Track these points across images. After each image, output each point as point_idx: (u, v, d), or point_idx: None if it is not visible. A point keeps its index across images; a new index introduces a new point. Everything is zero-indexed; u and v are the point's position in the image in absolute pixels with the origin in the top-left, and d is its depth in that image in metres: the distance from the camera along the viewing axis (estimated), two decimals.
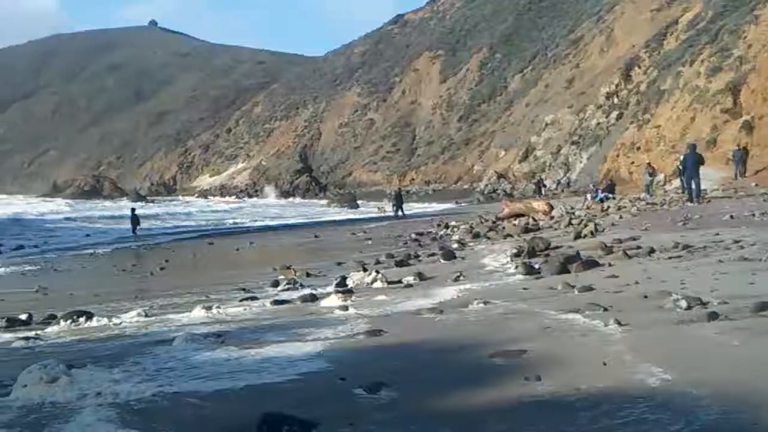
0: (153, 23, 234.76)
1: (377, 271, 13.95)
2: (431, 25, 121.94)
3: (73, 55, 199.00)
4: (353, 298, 11.68)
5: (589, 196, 34.83)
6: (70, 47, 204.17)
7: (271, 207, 65.35)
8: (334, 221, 43.51)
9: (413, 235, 26.27)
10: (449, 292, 11.44)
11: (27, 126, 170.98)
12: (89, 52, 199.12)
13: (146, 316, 11.20)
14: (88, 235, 36.16)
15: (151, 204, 74.46)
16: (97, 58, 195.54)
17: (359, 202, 62.85)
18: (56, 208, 60.98)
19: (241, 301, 12.32)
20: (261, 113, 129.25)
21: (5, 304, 14.05)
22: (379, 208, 54.89)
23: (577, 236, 18.04)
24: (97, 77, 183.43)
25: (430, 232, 27.99)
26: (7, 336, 10.27)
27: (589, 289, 10.16)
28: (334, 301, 11.28)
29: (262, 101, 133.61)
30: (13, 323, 11.03)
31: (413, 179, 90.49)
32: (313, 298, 11.90)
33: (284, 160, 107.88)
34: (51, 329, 10.70)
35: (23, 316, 11.41)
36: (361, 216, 48.45)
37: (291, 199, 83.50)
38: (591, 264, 12.59)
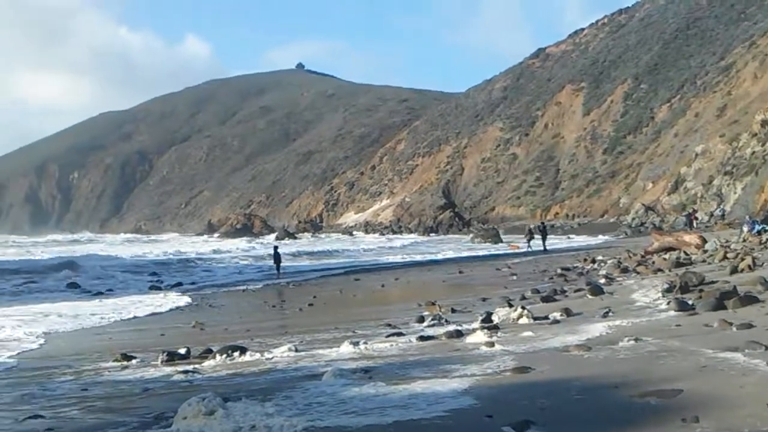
0: (300, 66, 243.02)
1: (523, 307, 13.79)
2: (573, 57, 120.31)
3: (226, 99, 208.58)
4: (499, 334, 11.59)
5: (745, 228, 33.16)
6: (223, 92, 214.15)
7: (415, 243, 65.81)
8: (478, 256, 43.31)
9: (559, 270, 25.80)
10: (597, 329, 11.16)
11: (184, 168, 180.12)
12: (241, 95, 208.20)
13: (296, 351, 11.50)
14: (239, 272, 37.57)
15: (298, 241, 76.62)
16: (249, 101, 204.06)
17: (503, 236, 62.38)
18: (211, 245, 63.66)
19: (387, 336, 12.45)
20: (404, 150, 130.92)
21: (166, 339, 14.78)
22: (510, 244, 54.11)
23: (734, 271, 17.19)
24: (249, 119, 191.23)
25: (576, 266, 27.41)
26: (168, 369, 10.80)
27: (749, 326, 9.68)
28: (479, 337, 11.23)
29: (405, 138, 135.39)
30: (173, 357, 11.58)
31: (557, 213, 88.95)
32: (459, 334, 11.88)
33: (427, 196, 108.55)
34: (208, 363, 11.17)
35: (182, 350, 11.97)
36: (506, 251, 48.02)
37: (434, 234, 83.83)
38: (750, 300, 11.97)
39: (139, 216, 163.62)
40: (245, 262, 43.36)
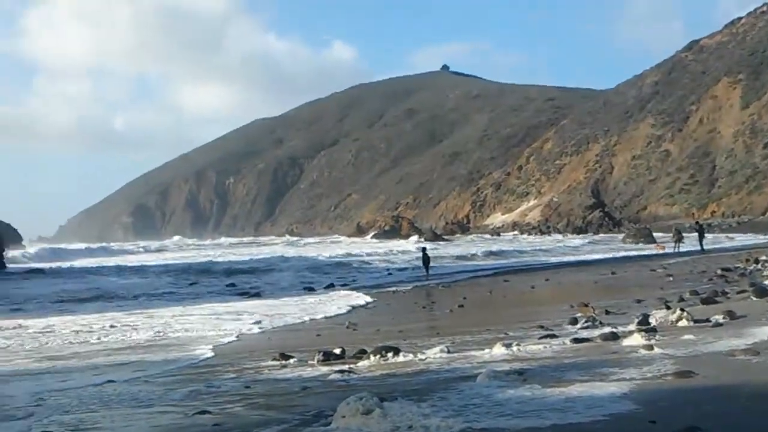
0: (445, 67, 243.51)
1: (682, 309, 13.28)
2: (729, 48, 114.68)
3: (372, 102, 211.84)
4: (657, 337, 11.21)
5: None
6: (370, 95, 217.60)
7: (564, 243, 64.54)
8: (630, 257, 42.04)
9: (719, 271, 24.67)
10: (765, 332, 10.61)
11: (333, 172, 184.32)
12: (387, 98, 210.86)
13: (448, 352, 11.54)
14: (389, 273, 38.04)
15: (445, 243, 76.66)
16: (395, 104, 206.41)
17: (656, 236, 60.20)
18: (361, 247, 64.70)
19: (540, 338, 12.30)
20: (551, 149, 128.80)
21: (321, 339, 15.18)
22: (656, 244, 51.98)
23: None
24: (395, 122, 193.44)
25: (738, 267, 26.12)
26: (324, 369, 11.09)
27: None
28: (637, 340, 10.90)
29: (552, 137, 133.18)
30: (328, 357, 11.86)
31: (714, 212, 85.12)
32: (615, 336, 11.58)
33: (576, 195, 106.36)
34: (362, 363, 11.38)
35: (337, 351, 12.24)
36: (660, 251, 46.34)
37: (583, 235, 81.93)
38: None
39: (290, 219, 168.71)
40: (394, 265, 43.84)
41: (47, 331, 18.01)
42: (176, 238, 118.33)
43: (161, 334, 16.99)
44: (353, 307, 22.38)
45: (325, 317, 20.04)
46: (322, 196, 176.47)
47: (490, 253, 51.53)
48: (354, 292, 27.45)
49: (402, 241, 76.97)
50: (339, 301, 24.10)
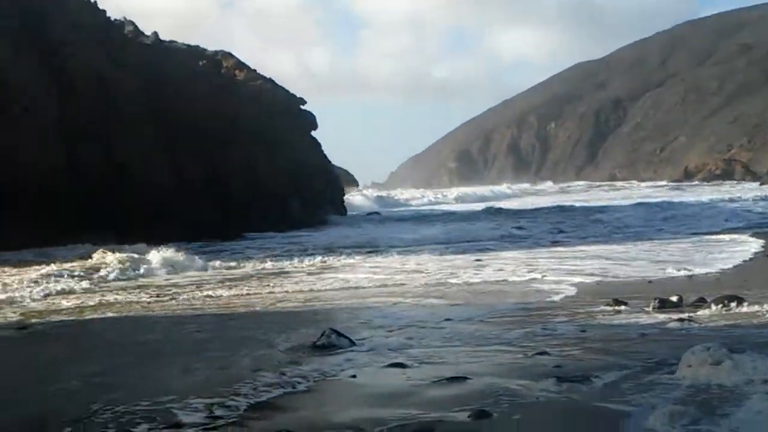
0: None
1: None
2: None
3: (700, 40, 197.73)
4: None
5: None
6: (697, 33, 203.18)
7: None
8: None
9: None
10: None
11: (657, 114, 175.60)
12: (718, 35, 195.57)
13: None
14: (726, 220, 35.57)
15: None
16: (726, 40, 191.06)
17: None
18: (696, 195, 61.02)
19: None
20: None
21: (653, 287, 14.69)
22: None
23: None
24: (727, 60, 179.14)
25: None
26: (661, 317, 10.80)
27: None
28: None
29: None
30: (664, 304, 11.53)
31: None
32: None
33: None
34: (702, 312, 10.93)
35: (674, 298, 11.84)
36: None
37: None
38: None
39: (612, 164, 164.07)
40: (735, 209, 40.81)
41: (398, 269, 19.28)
42: (548, 183, 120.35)
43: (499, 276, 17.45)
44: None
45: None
46: (646, 139, 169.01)
47: None
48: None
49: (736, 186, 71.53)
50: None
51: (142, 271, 19.24)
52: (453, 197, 73.92)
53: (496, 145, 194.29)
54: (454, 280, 16.87)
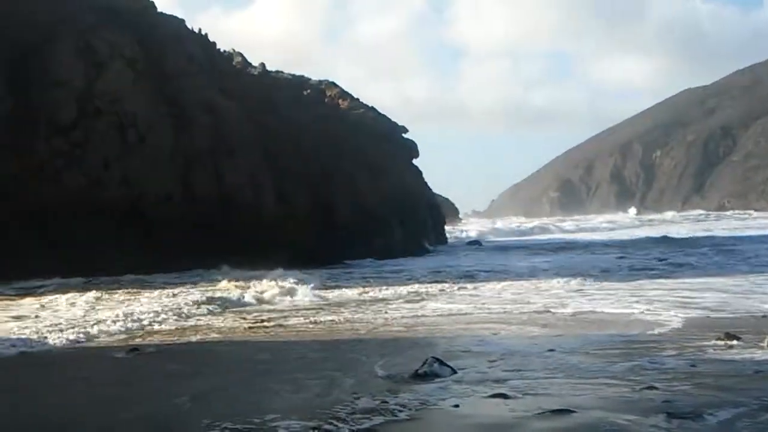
0: None
1: None
2: None
3: None
4: None
5: None
6: None
7: None
8: None
9: None
10: None
11: None
12: None
13: None
14: None
15: None
16: None
17: None
18: None
19: None
20: None
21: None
22: None
23: None
24: None
25: None
26: None
27: None
28: None
29: None
30: None
31: None
32: None
33: None
34: None
35: None
36: None
37: None
38: None
39: (721, 193, 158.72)
40: None
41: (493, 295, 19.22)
42: (632, 211, 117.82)
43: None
44: None
45: None
46: (759, 167, 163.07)
47: None
48: None
49: None
50: None
51: (249, 297, 19.63)
52: (558, 226, 72.88)
53: (599, 174, 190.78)
54: (556, 310, 16.65)
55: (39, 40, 28.24)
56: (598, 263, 30.44)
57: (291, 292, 20.29)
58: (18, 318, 15.79)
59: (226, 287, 20.77)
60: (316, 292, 20.93)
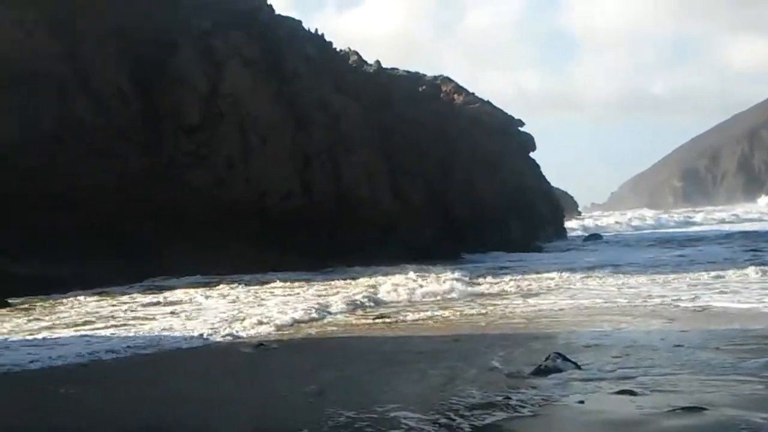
0: None
1: None
2: None
3: None
4: None
5: None
6: None
7: None
8: None
9: None
10: None
11: None
12: None
13: None
14: None
15: None
16: None
17: None
18: None
19: None
20: None
21: None
22: None
23: None
24: None
25: None
26: None
27: None
28: None
29: None
30: None
31: None
32: None
33: None
34: None
35: None
36: None
37: None
38: None
39: None
40: None
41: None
42: (762, 201, 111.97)
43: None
44: None
45: None
46: None
47: None
48: None
49: None
50: None
51: (369, 293, 19.79)
52: (683, 217, 70.46)
53: (725, 163, 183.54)
54: (682, 303, 16.15)
55: (162, 44, 29.37)
56: (726, 255, 29.32)
57: (410, 289, 20.38)
58: (148, 318, 16.28)
59: (347, 284, 21.06)
60: (436, 287, 20.94)
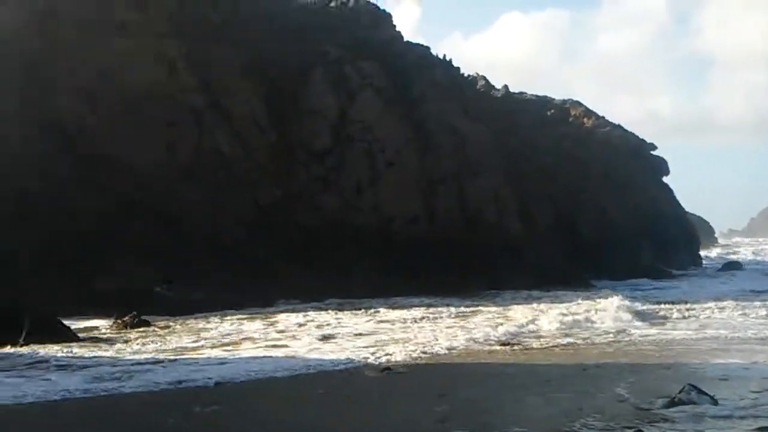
0: None
1: None
2: None
3: None
4: None
5: None
6: None
7: None
8: None
9: None
10: None
11: None
12: None
13: None
14: None
15: None
16: None
17: None
18: None
19: None
20: None
21: None
22: None
23: None
24: None
25: None
26: None
27: None
28: None
29: None
30: None
31: None
32: None
33: None
34: None
35: None
36: None
37: None
38: None
39: None
40: None
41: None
42: None
43: None
44: None
45: None
46: None
47: None
48: None
49: None
50: None
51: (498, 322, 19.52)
52: None
53: None
54: None
55: (295, 75, 30.28)
56: None
57: (535, 318, 19.81)
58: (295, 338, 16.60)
59: (475, 311, 20.87)
60: (566, 316, 20.15)
